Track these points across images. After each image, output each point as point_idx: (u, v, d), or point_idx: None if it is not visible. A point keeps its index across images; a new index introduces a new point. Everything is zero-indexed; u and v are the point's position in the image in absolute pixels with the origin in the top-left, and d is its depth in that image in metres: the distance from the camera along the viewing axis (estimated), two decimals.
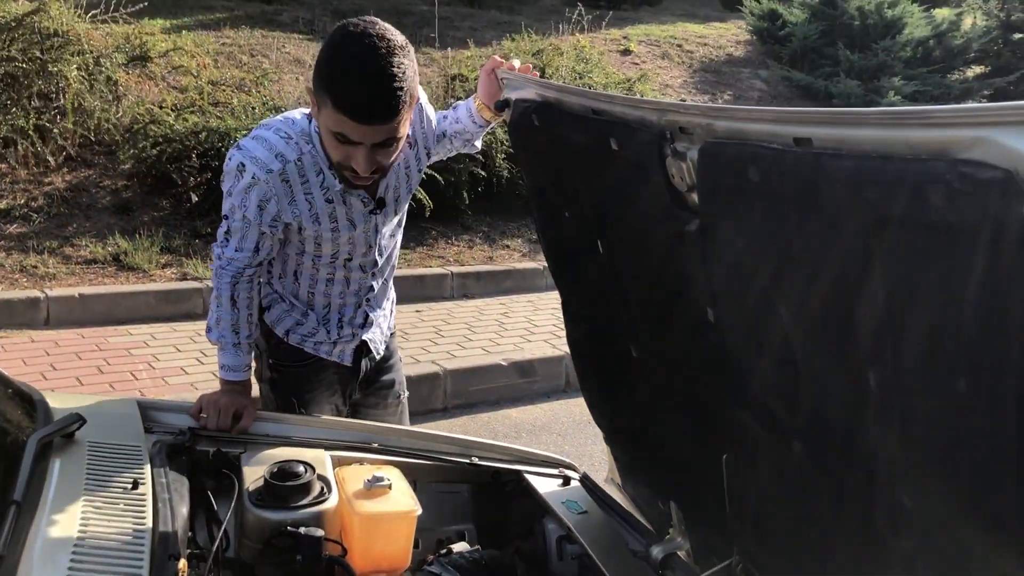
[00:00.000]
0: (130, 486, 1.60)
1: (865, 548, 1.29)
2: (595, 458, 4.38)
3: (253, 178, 2.07)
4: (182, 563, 1.50)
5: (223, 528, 1.80)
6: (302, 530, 1.83)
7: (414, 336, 5.58)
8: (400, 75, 1.87)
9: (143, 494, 1.59)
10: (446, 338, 5.61)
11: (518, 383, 5.28)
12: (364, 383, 2.53)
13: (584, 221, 1.91)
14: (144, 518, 1.51)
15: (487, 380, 5.18)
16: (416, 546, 2.16)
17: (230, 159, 2.11)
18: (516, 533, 2.22)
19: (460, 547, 2.10)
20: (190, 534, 1.87)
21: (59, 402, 1.92)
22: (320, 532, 1.84)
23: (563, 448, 4.62)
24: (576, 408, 5.02)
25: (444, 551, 2.06)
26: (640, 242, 1.72)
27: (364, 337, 2.43)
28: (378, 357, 2.50)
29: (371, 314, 2.42)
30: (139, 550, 1.42)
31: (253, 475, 1.96)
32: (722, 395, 1.59)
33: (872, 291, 1.07)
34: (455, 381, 5.05)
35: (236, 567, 1.85)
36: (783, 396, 1.40)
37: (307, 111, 2.13)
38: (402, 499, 1.95)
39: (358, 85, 1.86)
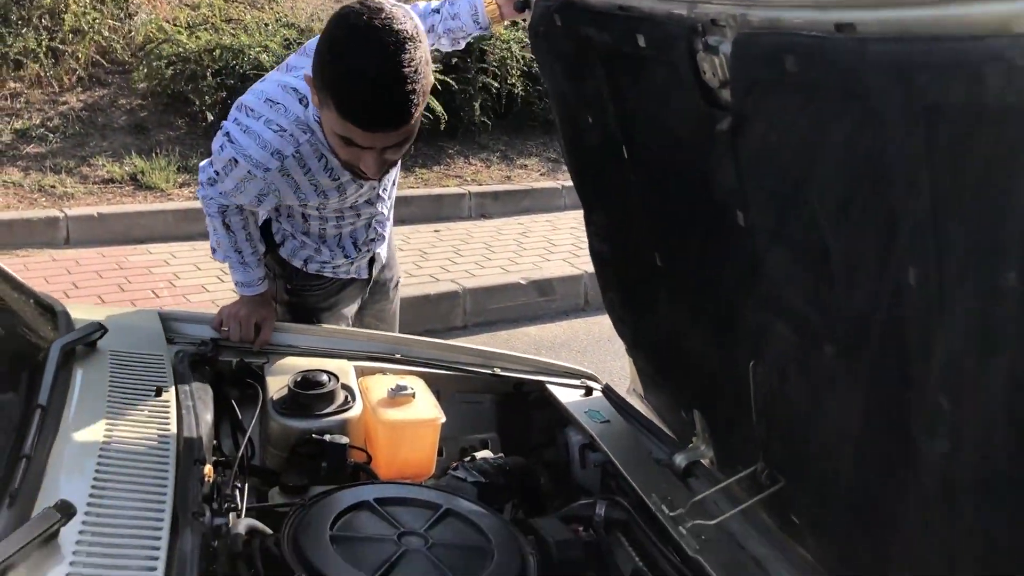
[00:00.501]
0: (153, 393, 1.60)
1: (897, 451, 1.27)
2: (615, 374, 4.39)
3: (249, 174, 1.94)
4: (208, 468, 1.51)
5: (247, 436, 1.81)
6: (327, 437, 1.84)
7: (433, 255, 5.56)
8: (412, 75, 1.66)
9: (167, 401, 1.59)
10: (465, 257, 5.59)
11: (537, 301, 5.27)
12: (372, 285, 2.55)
13: (608, 126, 1.86)
14: (168, 424, 1.51)
15: (506, 299, 5.17)
16: (440, 454, 2.18)
17: (221, 149, 1.95)
18: (539, 442, 2.22)
19: (483, 455, 2.10)
20: (215, 442, 1.89)
21: (81, 313, 1.92)
22: (345, 439, 1.84)
23: (583, 364, 4.63)
24: (595, 326, 5.02)
25: (468, 458, 2.07)
26: (668, 145, 1.67)
27: (376, 250, 2.43)
28: (384, 261, 2.50)
29: (380, 229, 2.40)
30: (164, 455, 1.43)
31: (277, 384, 1.96)
32: (750, 301, 1.56)
33: (917, 184, 1.02)
34: (474, 300, 5.05)
35: (261, 474, 1.86)
36: (816, 299, 1.36)
37: (291, 82, 1.95)
38: (426, 407, 1.94)
39: (366, 92, 1.66)
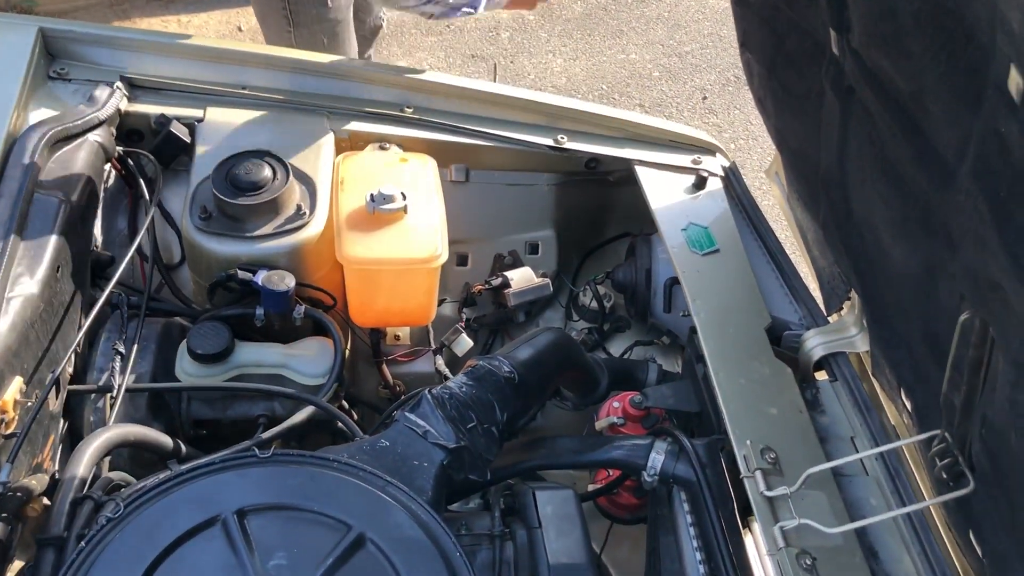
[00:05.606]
0: None
1: None
2: None
3: None
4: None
5: (132, 251, 1.21)
6: (259, 278, 1.20)
7: None
8: None
9: None
10: None
11: None
12: None
13: None
14: None
15: None
16: (464, 263, 1.53)
17: None
18: (612, 254, 1.54)
19: (521, 275, 1.44)
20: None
21: None
22: (290, 282, 1.21)
23: None
24: None
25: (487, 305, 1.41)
26: None
27: None
28: None
29: None
30: None
31: (207, 164, 1.28)
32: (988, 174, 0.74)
33: None
34: None
35: (168, 313, 1.29)
36: None
37: None
38: (420, 236, 1.25)
39: None
